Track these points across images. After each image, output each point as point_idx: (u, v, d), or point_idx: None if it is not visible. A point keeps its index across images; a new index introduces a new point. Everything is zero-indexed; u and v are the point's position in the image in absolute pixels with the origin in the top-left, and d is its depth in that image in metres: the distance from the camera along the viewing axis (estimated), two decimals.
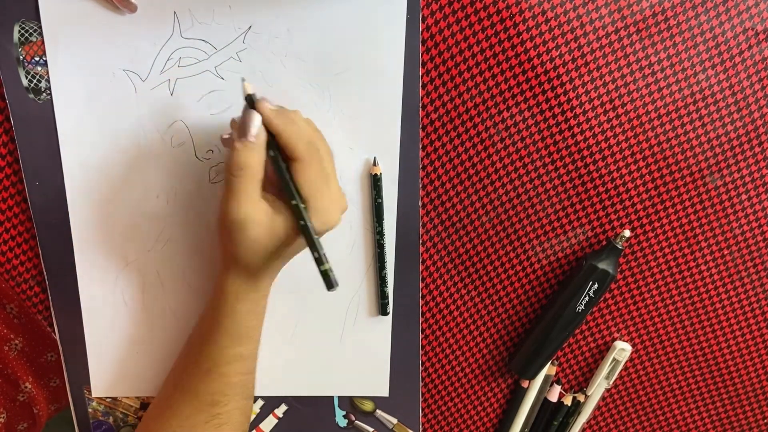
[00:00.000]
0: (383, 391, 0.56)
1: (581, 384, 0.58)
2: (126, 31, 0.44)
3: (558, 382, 0.58)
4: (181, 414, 0.45)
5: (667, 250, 0.53)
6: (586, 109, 0.48)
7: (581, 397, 0.58)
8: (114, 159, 0.47)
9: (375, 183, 0.48)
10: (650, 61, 0.46)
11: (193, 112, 0.46)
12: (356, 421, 0.57)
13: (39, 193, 0.48)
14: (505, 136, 0.48)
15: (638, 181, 0.50)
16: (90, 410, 0.55)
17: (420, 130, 0.48)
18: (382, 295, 0.51)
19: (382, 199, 0.49)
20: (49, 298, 0.51)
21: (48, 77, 0.45)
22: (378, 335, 0.53)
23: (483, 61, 0.46)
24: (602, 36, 0.45)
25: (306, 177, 0.39)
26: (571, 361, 0.57)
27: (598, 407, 0.59)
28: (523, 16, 0.45)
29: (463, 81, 0.46)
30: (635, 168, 0.50)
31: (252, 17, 0.44)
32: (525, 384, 0.57)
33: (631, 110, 0.48)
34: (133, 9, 0.43)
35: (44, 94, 0.45)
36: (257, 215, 0.39)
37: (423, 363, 0.56)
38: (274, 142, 0.39)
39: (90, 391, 0.54)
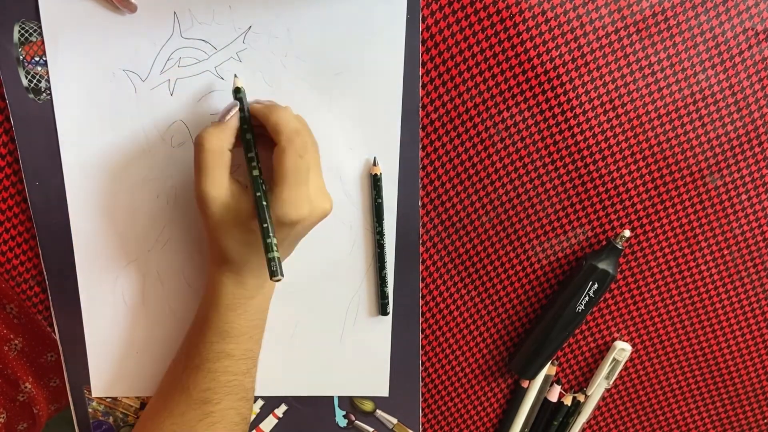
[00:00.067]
0: (383, 391, 0.56)
1: (581, 384, 0.58)
2: (126, 31, 0.44)
3: (558, 382, 0.58)
4: (174, 412, 0.45)
5: (667, 250, 0.53)
6: (586, 109, 0.48)
7: (581, 397, 0.58)
8: (114, 159, 0.47)
9: (375, 183, 0.48)
10: (650, 61, 0.46)
11: (193, 112, 0.46)
12: (356, 421, 0.57)
13: (39, 193, 0.48)
14: (505, 136, 0.48)
15: (638, 181, 0.50)
16: (90, 410, 0.55)
17: (420, 130, 0.48)
18: (382, 295, 0.51)
19: (382, 199, 0.49)
20: (49, 298, 0.51)
21: (48, 77, 0.45)
22: (378, 335, 0.53)
23: (483, 61, 0.46)
24: (602, 36, 0.45)
25: (280, 165, 0.39)
26: (571, 361, 0.57)
27: (598, 407, 0.59)
28: (523, 16, 0.45)
29: (463, 81, 0.46)
30: (635, 168, 0.50)
31: (252, 17, 0.44)
32: (525, 384, 0.57)
33: (631, 110, 0.48)
34: (133, 9, 0.43)
35: (44, 94, 0.45)
36: (220, 193, 0.40)
37: (423, 363, 0.56)
38: (251, 128, 0.41)
39: (90, 391, 0.54)
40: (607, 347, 0.56)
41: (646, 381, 0.58)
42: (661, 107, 0.48)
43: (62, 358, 0.53)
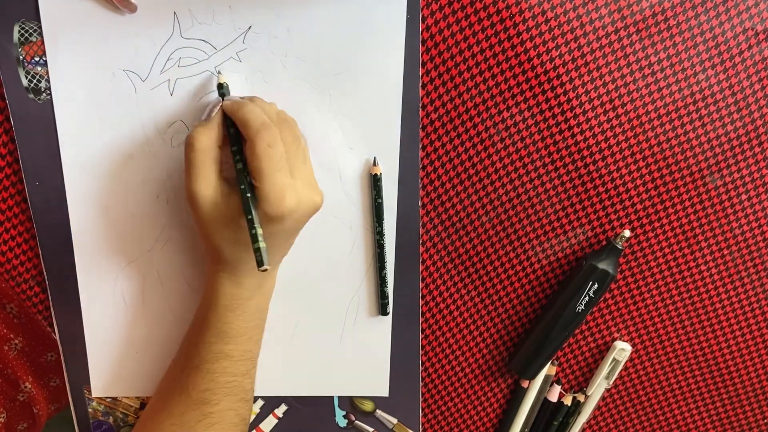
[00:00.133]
0: (383, 391, 0.56)
1: (581, 384, 0.58)
2: (126, 31, 0.44)
3: (558, 382, 0.58)
4: (174, 412, 0.45)
5: (667, 250, 0.53)
6: (586, 109, 0.48)
7: (581, 397, 0.58)
8: (114, 159, 0.47)
9: (375, 183, 0.48)
10: (650, 61, 0.46)
11: (193, 112, 0.46)
12: (356, 421, 0.57)
13: (39, 193, 0.48)
14: (505, 136, 0.48)
15: (638, 181, 0.50)
16: (90, 410, 0.55)
17: (420, 130, 0.48)
18: (382, 295, 0.51)
19: (382, 199, 0.49)
20: (49, 298, 0.51)
21: (48, 77, 0.45)
22: (378, 335, 0.53)
23: (483, 61, 0.46)
24: (602, 36, 0.45)
25: (252, 157, 0.39)
26: (571, 361, 0.57)
27: (598, 407, 0.59)
28: (523, 16, 0.45)
29: (463, 81, 0.46)
30: (635, 168, 0.50)
31: (252, 17, 0.44)
32: (525, 384, 0.57)
33: (631, 110, 0.48)
34: (133, 9, 0.43)
35: (44, 94, 0.45)
36: (209, 191, 0.41)
37: (423, 363, 0.56)
38: (234, 123, 0.41)
39: (90, 391, 0.54)
40: (607, 347, 0.56)
41: (646, 381, 0.58)
42: (661, 107, 0.48)
43: (62, 358, 0.53)
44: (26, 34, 0.44)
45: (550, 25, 0.45)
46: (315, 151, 0.47)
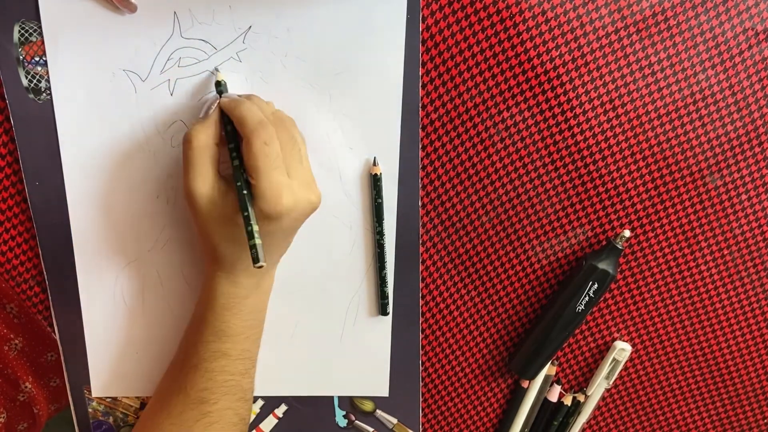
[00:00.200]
0: (383, 391, 0.56)
1: (581, 384, 0.58)
2: (126, 31, 0.44)
3: (558, 382, 0.58)
4: (173, 412, 0.45)
5: (667, 250, 0.53)
6: (586, 109, 0.48)
7: (581, 397, 0.58)
8: (114, 159, 0.47)
9: (375, 183, 0.48)
10: (650, 61, 0.46)
11: (193, 112, 0.46)
12: (356, 421, 0.57)
13: (39, 193, 0.48)
14: (505, 136, 0.48)
15: (638, 181, 0.50)
16: (90, 410, 0.55)
17: (420, 130, 0.48)
18: (382, 295, 0.51)
19: (382, 199, 0.49)
20: (49, 298, 0.51)
21: (48, 77, 0.45)
22: (378, 335, 0.53)
23: (483, 61, 0.46)
24: (602, 36, 0.45)
25: (248, 155, 0.39)
26: (571, 361, 0.57)
27: (598, 407, 0.59)
28: (523, 16, 0.45)
29: (463, 81, 0.46)
30: (635, 168, 0.50)
31: (252, 17, 0.44)
32: (525, 384, 0.57)
33: (631, 110, 0.48)
34: (133, 9, 0.43)
35: (44, 94, 0.45)
36: (207, 189, 0.41)
37: (423, 363, 0.56)
38: (231, 120, 0.42)
39: (90, 391, 0.54)
40: (607, 347, 0.56)
41: (646, 381, 0.58)
42: (661, 107, 0.48)
43: (62, 358, 0.53)
44: (26, 34, 0.44)
45: (550, 25, 0.45)
46: (315, 151, 0.47)
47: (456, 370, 0.57)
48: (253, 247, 0.38)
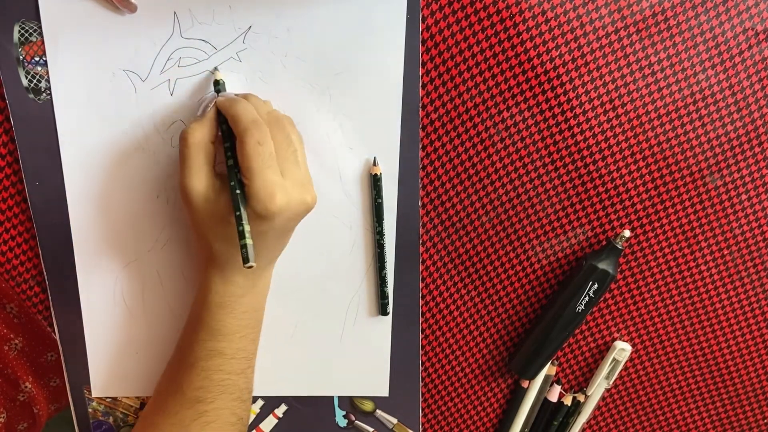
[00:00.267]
0: (383, 391, 0.56)
1: (581, 384, 0.58)
2: (126, 31, 0.44)
3: (558, 382, 0.58)
4: (170, 411, 0.45)
5: (667, 250, 0.53)
6: (586, 109, 0.48)
7: (581, 397, 0.58)
8: (114, 159, 0.47)
9: (375, 183, 0.48)
10: (650, 61, 0.46)
11: (193, 112, 0.46)
12: (356, 421, 0.57)
13: (39, 193, 0.48)
14: (505, 136, 0.48)
15: (638, 181, 0.50)
16: (90, 410, 0.55)
17: (420, 130, 0.48)
18: (382, 295, 0.51)
19: (382, 199, 0.49)
20: (49, 298, 0.51)
21: (48, 77, 0.45)
22: (378, 335, 0.53)
23: (483, 61, 0.46)
24: (602, 36, 0.45)
25: (241, 154, 0.39)
26: (571, 361, 0.57)
27: (598, 407, 0.59)
28: (523, 16, 0.45)
29: (463, 81, 0.46)
30: (635, 168, 0.50)
31: (252, 17, 0.44)
32: (525, 384, 0.57)
33: (631, 110, 0.48)
34: (133, 9, 0.43)
35: (44, 94, 0.45)
36: (202, 187, 0.41)
37: (423, 363, 0.56)
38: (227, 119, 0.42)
39: (90, 391, 0.54)
40: (607, 347, 0.56)
41: (646, 381, 0.58)
42: (661, 107, 0.48)
43: (62, 358, 0.53)
44: (26, 34, 0.44)
45: (550, 25, 0.45)
46: (315, 152, 0.47)
47: (456, 370, 0.57)
48: (243, 247, 0.38)
